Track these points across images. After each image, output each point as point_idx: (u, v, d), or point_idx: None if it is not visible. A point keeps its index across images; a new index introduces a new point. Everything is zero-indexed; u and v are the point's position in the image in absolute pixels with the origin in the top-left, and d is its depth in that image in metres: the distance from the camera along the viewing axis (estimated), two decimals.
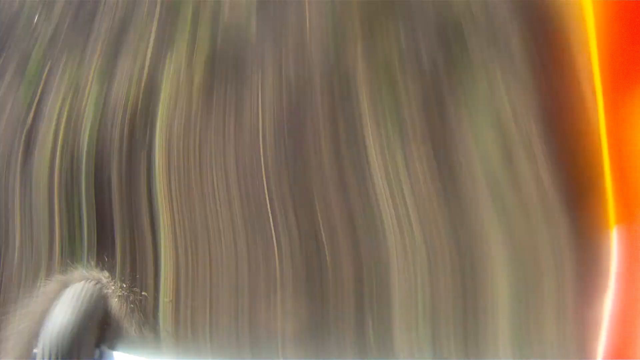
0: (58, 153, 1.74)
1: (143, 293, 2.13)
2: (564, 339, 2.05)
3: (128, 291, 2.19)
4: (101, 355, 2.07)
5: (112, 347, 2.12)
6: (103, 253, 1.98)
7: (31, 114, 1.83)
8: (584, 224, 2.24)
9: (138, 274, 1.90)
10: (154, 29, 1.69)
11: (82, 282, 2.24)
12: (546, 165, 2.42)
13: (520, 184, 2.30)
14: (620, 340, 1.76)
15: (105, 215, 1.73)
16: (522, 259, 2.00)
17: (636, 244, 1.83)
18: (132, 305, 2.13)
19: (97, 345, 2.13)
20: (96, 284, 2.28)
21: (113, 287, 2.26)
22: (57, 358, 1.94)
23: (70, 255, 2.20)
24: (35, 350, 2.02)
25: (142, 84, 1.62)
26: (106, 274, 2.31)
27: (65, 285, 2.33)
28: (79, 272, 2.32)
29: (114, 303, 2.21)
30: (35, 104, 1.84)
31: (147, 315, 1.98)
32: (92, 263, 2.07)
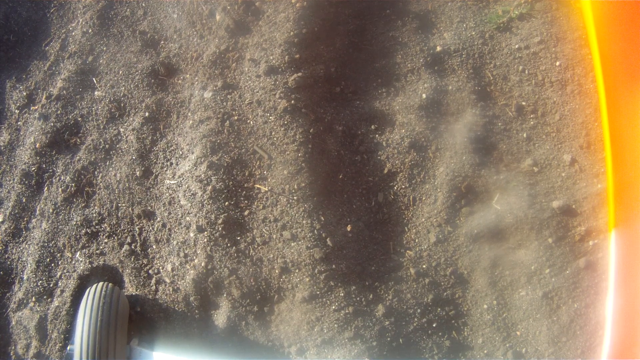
0: None
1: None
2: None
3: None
4: (131, 351, 2.07)
5: (141, 344, 2.13)
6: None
7: None
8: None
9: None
10: None
11: (102, 282, 2.25)
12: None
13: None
14: (621, 340, 1.71)
15: None
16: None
17: (635, 245, 1.74)
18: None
19: (128, 342, 2.13)
20: (114, 284, 2.25)
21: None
22: (93, 355, 1.95)
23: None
24: (70, 347, 2.03)
25: None
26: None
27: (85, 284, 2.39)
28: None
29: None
30: None
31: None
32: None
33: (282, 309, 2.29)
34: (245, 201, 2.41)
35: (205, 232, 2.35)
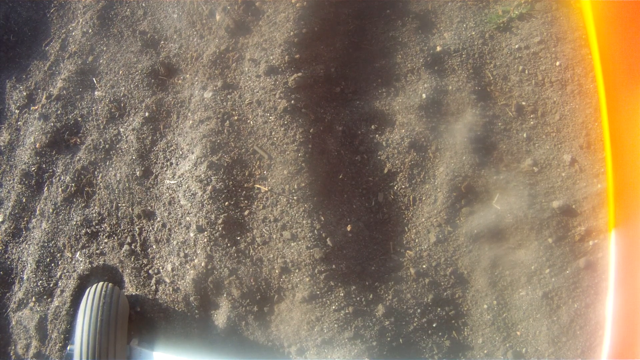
0: None
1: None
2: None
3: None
4: (131, 351, 2.07)
5: (141, 344, 2.14)
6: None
7: None
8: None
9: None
10: None
11: (102, 282, 2.28)
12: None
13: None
14: (621, 340, 1.75)
15: None
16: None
17: (635, 245, 1.77)
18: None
19: (128, 342, 2.14)
20: (114, 284, 2.29)
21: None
22: (93, 355, 1.95)
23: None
24: (70, 347, 2.04)
25: None
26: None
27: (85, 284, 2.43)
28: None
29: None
30: None
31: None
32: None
33: (282, 309, 2.29)
34: (245, 201, 2.41)
35: (205, 232, 2.35)
